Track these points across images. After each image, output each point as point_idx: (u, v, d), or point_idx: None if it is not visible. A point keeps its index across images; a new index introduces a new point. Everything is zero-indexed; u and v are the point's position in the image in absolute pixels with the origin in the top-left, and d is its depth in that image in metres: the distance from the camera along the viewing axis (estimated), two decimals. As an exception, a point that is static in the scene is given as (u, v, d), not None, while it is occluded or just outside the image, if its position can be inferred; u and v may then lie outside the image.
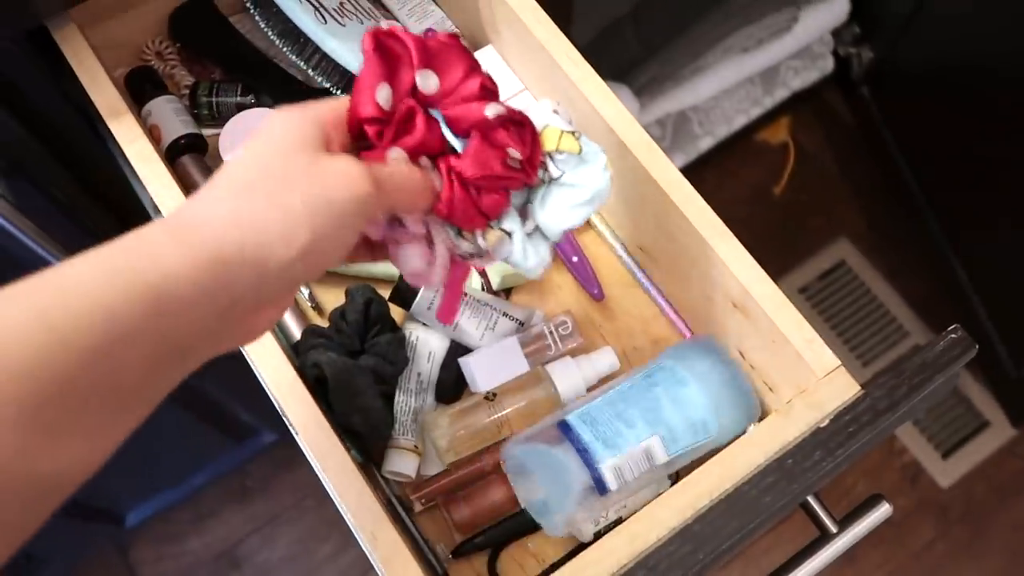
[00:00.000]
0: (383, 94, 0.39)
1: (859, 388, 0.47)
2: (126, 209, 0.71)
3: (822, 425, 0.44)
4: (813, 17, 1.41)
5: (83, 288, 0.30)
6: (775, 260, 1.57)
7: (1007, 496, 1.43)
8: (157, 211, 0.56)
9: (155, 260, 0.31)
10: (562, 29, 0.58)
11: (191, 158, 0.63)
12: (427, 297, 0.58)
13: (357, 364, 0.53)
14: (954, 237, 1.42)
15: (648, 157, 0.54)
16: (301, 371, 0.51)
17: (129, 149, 0.53)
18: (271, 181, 0.35)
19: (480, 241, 0.42)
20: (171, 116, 0.64)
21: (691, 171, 1.55)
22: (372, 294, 0.57)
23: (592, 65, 0.57)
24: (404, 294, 0.59)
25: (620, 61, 1.31)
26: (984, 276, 1.38)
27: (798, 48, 1.44)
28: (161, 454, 1.14)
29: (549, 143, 0.43)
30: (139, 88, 0.66)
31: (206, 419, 1.10)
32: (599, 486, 0.51)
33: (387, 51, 0.39)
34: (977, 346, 0.46)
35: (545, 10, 0.58)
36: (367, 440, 0.54)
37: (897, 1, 1.38)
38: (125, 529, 1.27)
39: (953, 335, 0.46)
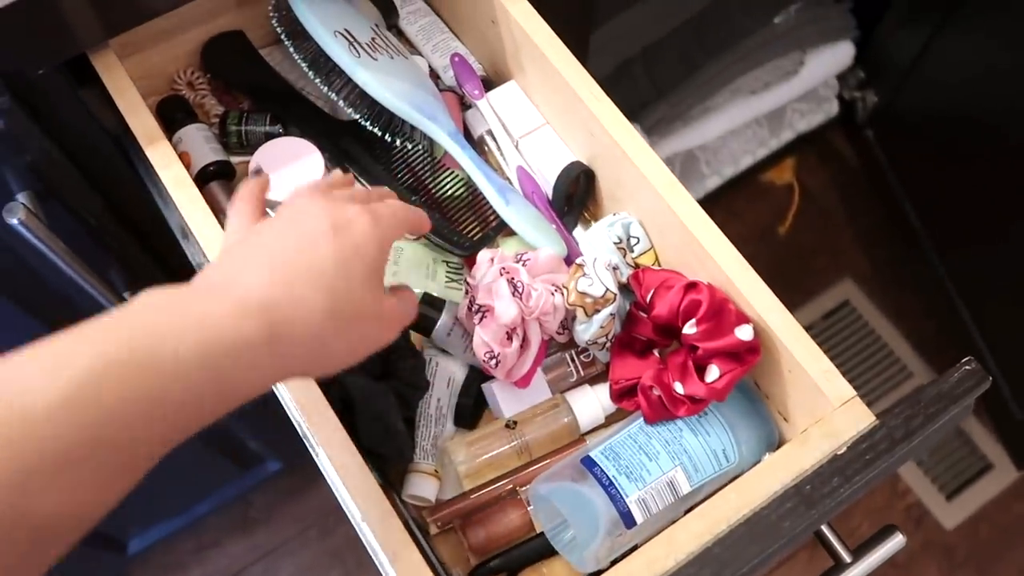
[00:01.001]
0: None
1: (874, 418, 0.48)
2: (149, 233, 0.73)
3: (840, 452, 0.45)
4: (819, 61, 1.44)
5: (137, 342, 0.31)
6: (781, 299, 1.58)
7: (1013, 538, 1.42)
8: (185, 235, 0.57)
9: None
10: (580, 60, 0.60)
11: (219, 184, 0.65)
12: (446, 324, 0.59)
13: (384, 386, 0.54)
14: (959, 280, 1.43)
15: (669, 191, 0.56)
16: (325, 390, 0.52)
17: (164, 174, 0.55)
18: (347, 310, 0.38)
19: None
20: (201, 143, 0.66)
21: (697, 210, 1.57)
22: None
23: None
24: (425, 321, 0.60)
25: (630, 100, 1.33)
26: (988, 319, 1.39)
27: (804, 91, 1.47)
28: (166, 482, 1.14)
29: None
30: (170, 116, 0.67)
31: (213, 446, 1.11)
32: (626, 520, 0.52)
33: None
34: (991, 379, 0.47)
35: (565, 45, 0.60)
36: (392, 462, 0.55)
37: (901, 47, 1.41)
38: (127, 557, 1.27)
39: (968, 367, 0.47)
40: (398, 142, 0.63)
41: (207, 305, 0.34)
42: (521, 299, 0.54)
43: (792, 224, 1.65)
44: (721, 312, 0.52)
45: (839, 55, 1.46)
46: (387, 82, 0.59)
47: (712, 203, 1.57)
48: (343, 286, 0.38)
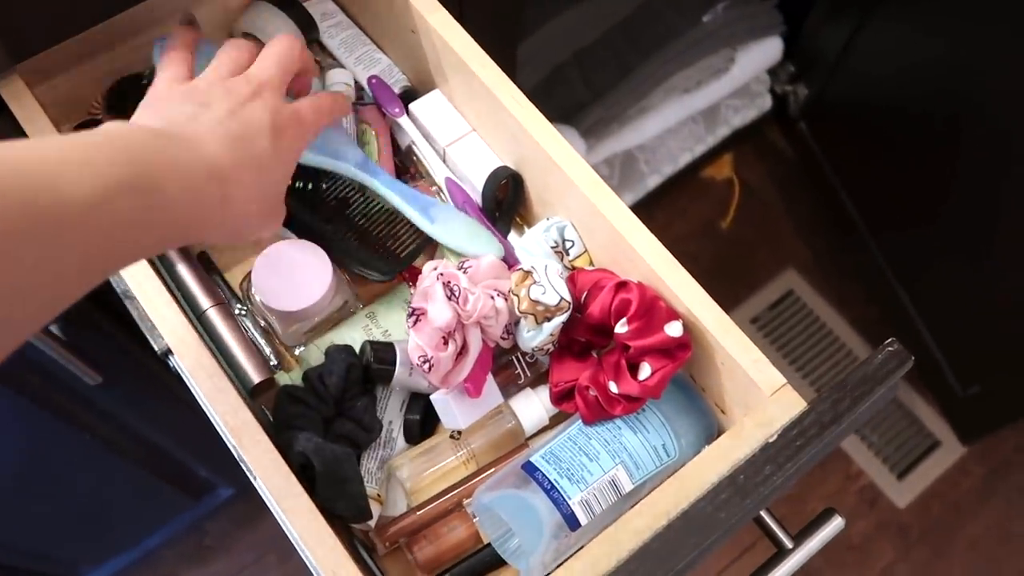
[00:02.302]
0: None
1: (805, 404, 0.48)
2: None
3: (771, 440, 0.45)
4: (749, 58, 1.47)
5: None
6: (726, 292, 1.60)
7: (963, 513, 1.46)
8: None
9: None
10: (507, 73, 0.60)
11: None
12: (403, 371, 0.58)
13: (345, 451, 0.53)
14: (896, 264, 1.47)
15: (595, 192, 0.56)
16: (255, 413, 0.51)
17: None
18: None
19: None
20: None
21: (641, 209, 1.59)
22: (352, 357, 0.57)
23: (539, 108, 0.59)
24: (381, 375, 0.58)
25: (566, 104, 1.34)
26: (927, 300, 1.43)
27: (736, 87, 1.50)
28: (115, 515, 1.11)
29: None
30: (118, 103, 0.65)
31: (161, 476, 1.08)
32: (570, 522, 0.52)
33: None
34: (913, 358, 0.48)
35: (491, 54, 0.60)
36: (352, 523, 0.54)
37: (827, 41, 1.44)
38: (80, 595, 1.23)
39: (890, 348, 0.48)
40: (310, 185, 0.62)
41: (182, 159, 0.42)
42: (458, 303, 0.54)
43: (734, 218, 1.67)
44: (651, 310, 0.53)
45: (768, 51, 1.49)
46: None
47: (654, 201, 1.59)
48: (271, 180, 0.47)
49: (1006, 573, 1.43)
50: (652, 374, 0.51)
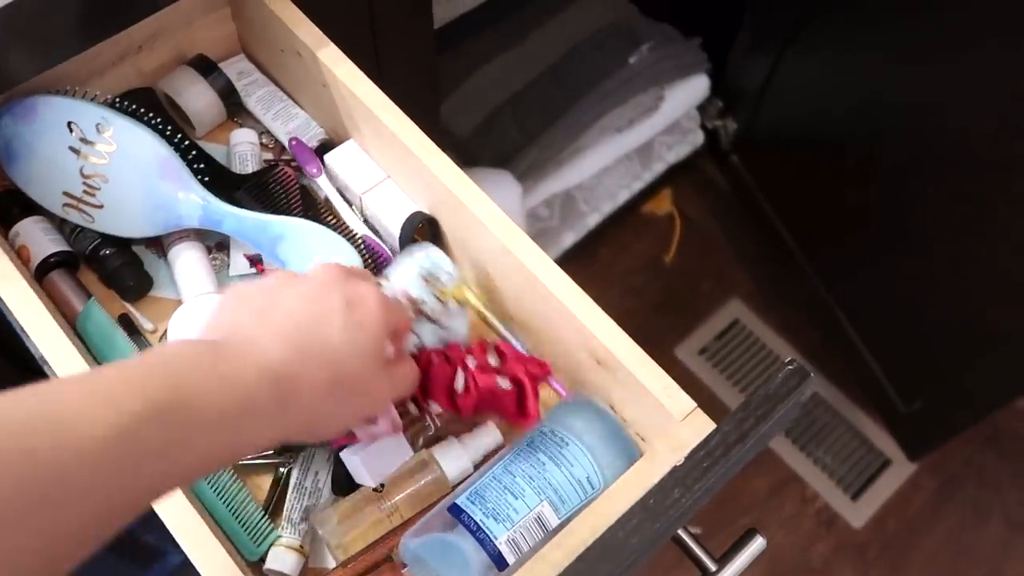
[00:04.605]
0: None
1: (715, 426, 0.49)
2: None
3: (679, 464, 0.46)
4: (677, 95, 1.51)
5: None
6: (673, 324, 1.63)
7: (917, 529, 1.48)
8: (23, 330, 0.56)
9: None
10: (431, 118, 0.62)
11: (59, 274, 0.64)
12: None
13: None
14: (832, 287, 1.51)
15: (505, 232, 0.58)
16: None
17: (-11, 269, 0.54)
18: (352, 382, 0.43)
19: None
20: (40, 236, 0.65)
21: (584, 248, 1.62)
22: None
23: (476, 151, 0.60)
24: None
25: (502, 148, 1.37)
26: (864, 321, 1.46)
27: (667, 124, 1.54)
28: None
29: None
30: (6, 210, 0.66)
31: (105, 546, 1.06)
32: (498, 563, 0.52)
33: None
34: (812, 374, 0.49)
35: (412, 102, 0.62)
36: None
37: (749, 76, 1.49)
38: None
39: (790, 367, 0.49)
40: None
41: (230, 367, 0.38)
42: None
43: (677, 252, 1.70)
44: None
45: (695, 88, 1.54)
46: (119, 225, 0.63)
47: (598, 239, 1.61)
48: (347, 362, 0.42)
49: (963, 585, 1.45)
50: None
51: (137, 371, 0.35)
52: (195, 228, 0.63)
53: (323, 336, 0.41)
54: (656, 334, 1.58)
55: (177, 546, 1.26)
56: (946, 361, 1.31)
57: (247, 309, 0.42)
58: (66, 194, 0.62)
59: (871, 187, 1.30)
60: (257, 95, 0.72)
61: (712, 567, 0.52)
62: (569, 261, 1.54)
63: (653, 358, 0.54)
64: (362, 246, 0.64)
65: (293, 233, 0.62)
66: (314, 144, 0.70)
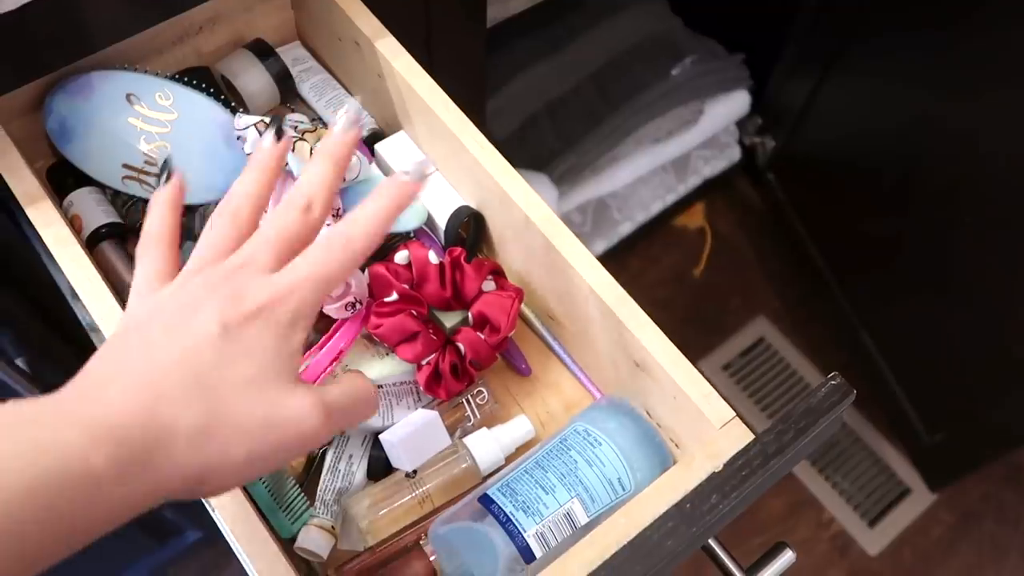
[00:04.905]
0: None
1: (753, 436, 0.50)
2: (40, 297, 0.71)
3: (717, 470, 0.46)
4: (717, 110, 1.51)
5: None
6: (698, 339, 1.63)
7: (933, 561, 1.46)
8: (75, 296, 0.57)
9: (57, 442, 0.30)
10: (477, 118, 0.62)
11: (110, 244, 0.65)
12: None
13: None
14: (861, 311, 1.50)
15: (552, 230, 0.58)
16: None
17: (46, 233, 0.55)
18: (224, 421, 0.33)
19: None
20: (92, 206, 0.66)
21: (615, 256, 1.62)
22: None
23: (512, 155, 0.61)
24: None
25: (539, 152, 1.38)
26: (891, 347, 1.45)
27: (705, 138, 1.54)
28: (77, 562, 1.09)
29: None
30: (62, 181, 0.67)
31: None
32: (525, 555, 0.52)
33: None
34: (855, 391, 0.49)
35: (460, 99, 0.63)
36: None
37: (791, 95, 1.49)
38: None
39: (833, 382, 0.49)
40: None
41: (49, 429, 0.30)
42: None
43: (706, 267, 1.70)
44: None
45: (736, 103, 1.54)
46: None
47: (628, 249, 1.61)
48: (227, 397, 0.33)
49: (977, 622, 1.43)
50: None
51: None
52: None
53: (188, 370, 0.33)
54: (680, 347, 1.57)
55: (196, 524, 1.27)
56: (974, 394, 1.30)
57: (117, 347, 0.35)
58: (126, 166, 0.63)
59: (908, 213, 1.29)
60: (311, 82, 0.73)
61: (740, 578, 0.52)
62: (598, 269, 1.54)
63: (678, 370, 0.54)
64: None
65: (354, 186, 0.63)
66: (364, 134, 0.70)
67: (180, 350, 0.34)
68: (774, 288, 1.67)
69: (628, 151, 1.45)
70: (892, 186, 1.31)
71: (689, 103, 1.46)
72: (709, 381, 0.53)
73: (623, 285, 0.56)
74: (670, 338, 0.55)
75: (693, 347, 1.59)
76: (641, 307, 0.55)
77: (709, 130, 1.52)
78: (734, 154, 1.63)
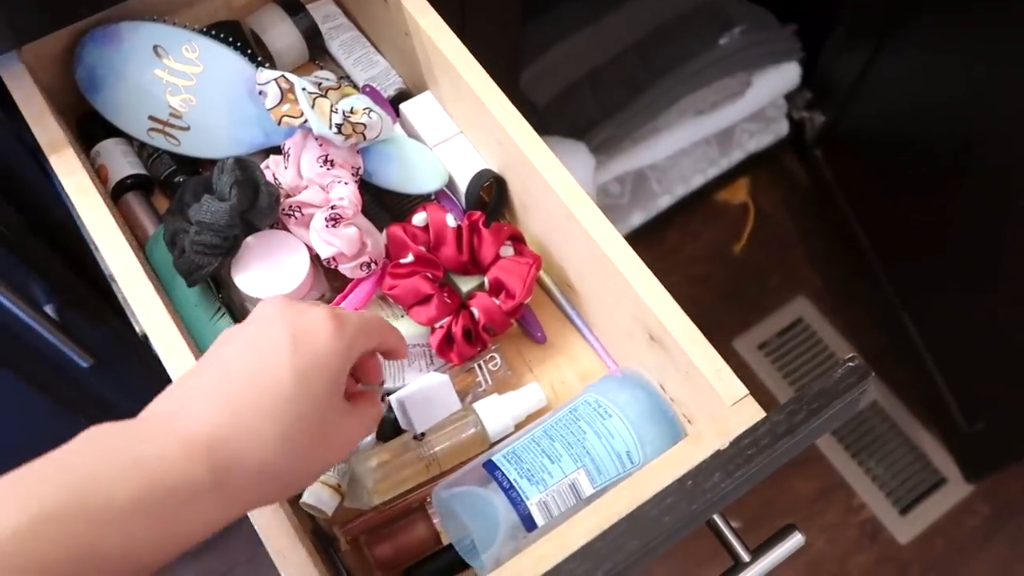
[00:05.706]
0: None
1: (765, 415, 0.48)
2: (70, 246, 0.73)
3: (722, 448, 0.45)
4: (766, 82, 1.47)
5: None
6: (735, 317, 1.60)
7: (965, 553, 1.43)
8: (96, 247, 0.57)
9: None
10: (512, 82, 0.61)
11: (135, 195, 0.65)
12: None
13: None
14: (905, 296, 1.45)
15: (572, 198, 0.57)
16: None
17: (67, 181, 0.55)
18: (307, 435, 0.37)
19: None
20: (118, 157, 0.67)
21: (653, 230, 1.59)
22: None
23: (550, 121, 0.60)
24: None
25: (578, 120, 1.35)
26: (934, 334, 1.41)
27: (752, 111, 1.50)
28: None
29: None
30: (91, 131, 0.68)
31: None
32: (526, 523, 0.52)
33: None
34: (873, 375, 0.48)
35: (493, 64, 0.61)
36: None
37: (843, 69, 1.44)
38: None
39: (850, 363, 0.47)
40: None
41: (148, 445, 0.33)
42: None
43: (747, 243, 1.67)
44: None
45: (786, 76, 1.49)
46: (206, 146, 0.63)
47: (667, 222, 1.59)
48: (299, 409, 0.37)
49: (1007, 617, 1.40)
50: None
51: (32, 474, 0.31)
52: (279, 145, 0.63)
53: (265, 386, 0.36)
54: (716, 324, 1.55)
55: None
56: (1015, 384, 1.26)
57: (191, 375, 0.38)
58: (152, 118, 0.64)
59: (960, 196, 1.24)
60: (340, 39, 0.72)
61: (746, 558, 0.51)
62: (635, 241, 1.51)
63: (710, 345, 0.52)
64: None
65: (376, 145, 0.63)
66: (391, 93, 0.70)
67: (253, 363, 0.37)
68: (816, 268, 1.63)
69: (670, 122, 1.42)
70: (945, 167, 1.27)
71: (736, 74, 1.42)
72: (742, 360, 0.52)
73: (660, 259, 0.55)
74: (705, 314, 0.53)
75: (729, 324, 1.56)
76: (678, 282, 0.54)
77: (756, 103, 1.48)
78: (781, 128, 1.59)
